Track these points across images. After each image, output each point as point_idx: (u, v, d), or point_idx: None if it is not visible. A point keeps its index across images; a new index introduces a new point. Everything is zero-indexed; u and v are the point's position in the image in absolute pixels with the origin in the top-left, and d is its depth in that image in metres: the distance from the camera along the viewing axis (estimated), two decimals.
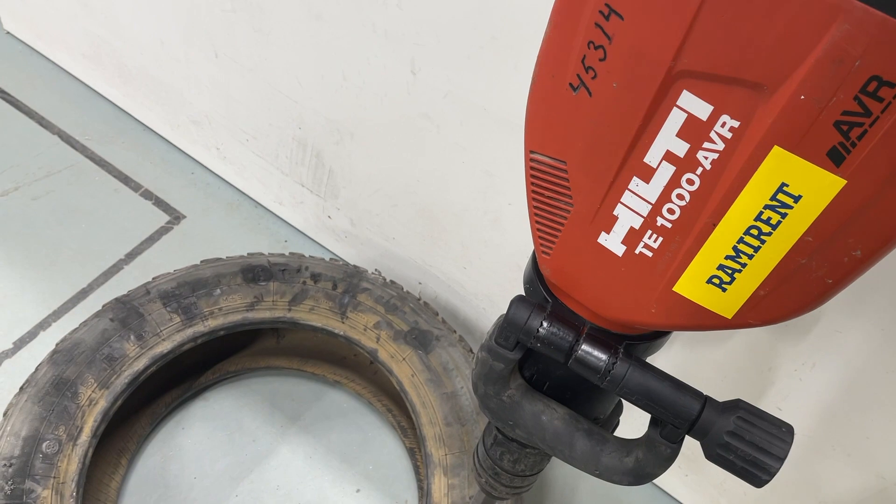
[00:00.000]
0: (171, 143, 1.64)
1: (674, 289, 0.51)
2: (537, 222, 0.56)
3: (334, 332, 1.15)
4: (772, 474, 0.56)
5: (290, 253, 1.20)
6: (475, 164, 1.06)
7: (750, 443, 0.55)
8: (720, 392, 1.02)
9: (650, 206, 0.49)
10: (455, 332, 1.16)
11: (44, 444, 0.98)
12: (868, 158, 0.39)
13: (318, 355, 1.27)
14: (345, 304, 1.16)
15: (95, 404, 1.05)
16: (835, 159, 0.40)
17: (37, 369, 1.04)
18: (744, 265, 0.47)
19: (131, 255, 1.48)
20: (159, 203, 1.56)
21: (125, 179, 1.58)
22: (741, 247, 0.46)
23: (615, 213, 0.51)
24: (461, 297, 1.29)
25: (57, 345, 1.07)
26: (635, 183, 0.48)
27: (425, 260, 1.30)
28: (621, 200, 0.50)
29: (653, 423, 0.61)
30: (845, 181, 0.41)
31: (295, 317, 1.16)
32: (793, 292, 0.48)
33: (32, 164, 1.56)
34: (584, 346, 0.57)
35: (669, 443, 0.59)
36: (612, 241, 0.52)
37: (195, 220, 1.55)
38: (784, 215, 0.44)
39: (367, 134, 1.19)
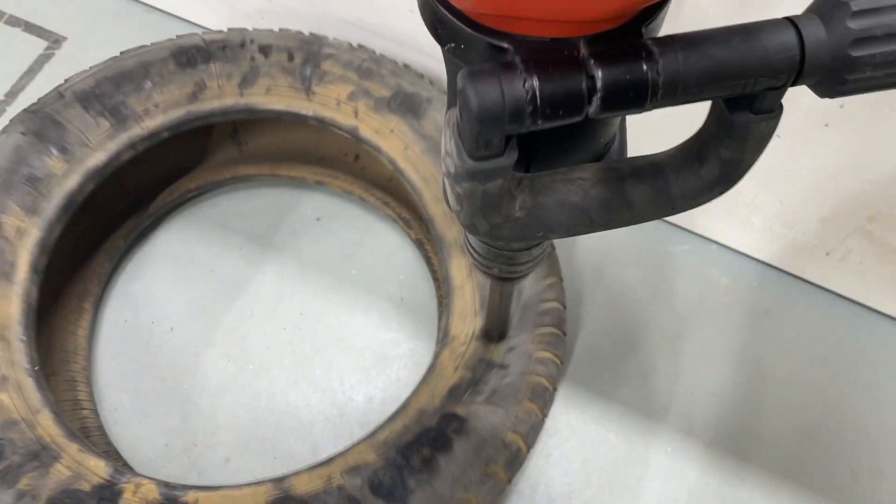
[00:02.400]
0: None
1: None
2: None
3: (301, 113, 0.95)
4: None
5: (228, 28, 0.98)
6: None
7: (887, 37, 0.36)
8: None
9: None
10: (445, 93, 0.99)
11: None
12: None
13: (293, 158, 1.07)
14: (307, 76, 0.96)
15: (26, 235, 0.83)
16: None
17: None
18: None
19: (13, 94, 1.21)
20: (30, 28, 1.27)
21: None
22: None
23: None
24: (431, 55, 1.09)
25: None
26: None
27: (369, 19, 1.08)
28: None
29: (732, 104, 0.41)
30: None
31: (250, 102, 0.95)
32: None
33: None
34: (602, 75, 0.35)
35: (767, 114, 0.40)
36: None
37: (79, 40, 1.27)
38: None
39: None
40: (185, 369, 1.01)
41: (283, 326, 1.04)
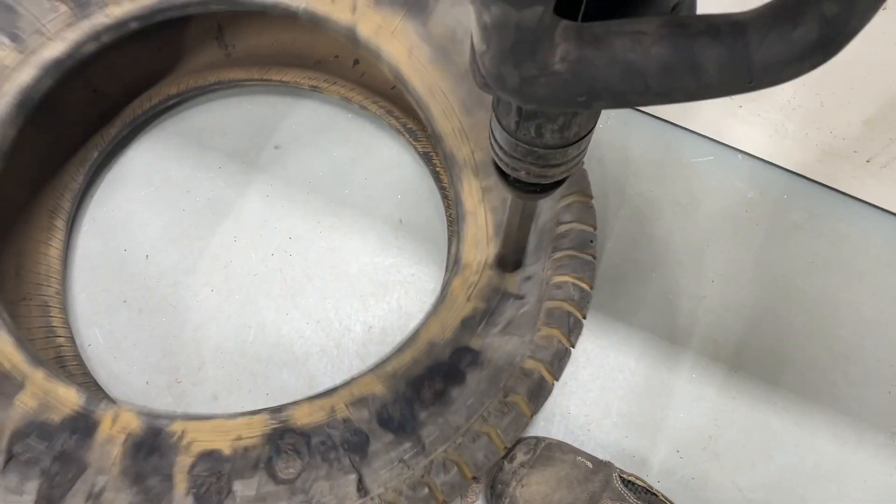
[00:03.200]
0: None
1: None
2: None
3: (291, 7, 0.84)
4: None
5: None
6: None
7: None
8: None
9: None
10: None
11: None
12: None
13: (285, 61, 0.96)
14: None
15: None
16: None
17: None
18: None
19: None
20: None
21: None
22: None
23: None
24: None
25: None
26: None
27: None
28: None
29: None
30: None
31: None
32: None
33: None
34: None
35: None
36: None
37: None
38: None
39: None
40: (163, 300, 0.91)
41: (271, 252, 0.95)
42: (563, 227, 0.78)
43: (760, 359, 0.93)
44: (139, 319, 0.90)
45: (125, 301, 0.91)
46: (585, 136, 0.50)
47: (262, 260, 0.94)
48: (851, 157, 0.92)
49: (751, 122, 0.96)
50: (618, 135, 1.06)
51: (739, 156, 1.03)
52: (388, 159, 1.01)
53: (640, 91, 0.38)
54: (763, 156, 1.01)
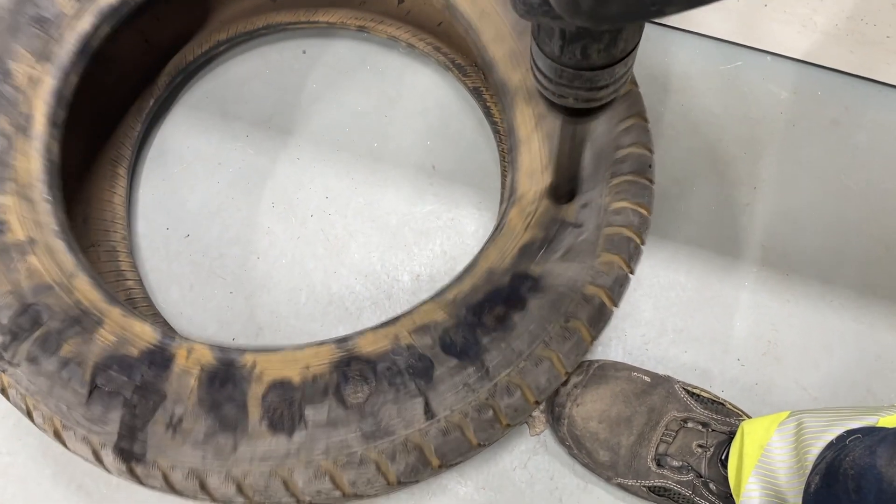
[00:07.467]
0: None
1: None
2: None
3: None
4: None
5: None
6: None
7: None
8: None
9: None
10: None
11: None
12: None
13: (331, 2, 0.98)
14: None
15: (39, 84, 0.76)
16: None
17: None
18: None
19: None
20: None
21: None
22: None
23: None
24: None
25: None
26: None
27: None
28: None
29: None
30: None
31: None
32: None
33: None
34: None
35: None
36: None
37: None
38: None
39: None
40: (212, 273, 0.92)
41: (310, 213, 0.95)
42: (622, 152, 0.76)
43: (812, 259, 0.92)
44: (191, 295, 0.91)
45: (174, 279, 0.92)
46: (632, 50, 0.49)
47: (303, 222, 0.94)
48: (884, 42, 0.90)
49: (777, 19, 0.94)
50: (642, 50, 1.04)
51: (769, 58, 1.01)
52: (413, 107, 1.00)
53: None
54: (793, 54, 0.99)
